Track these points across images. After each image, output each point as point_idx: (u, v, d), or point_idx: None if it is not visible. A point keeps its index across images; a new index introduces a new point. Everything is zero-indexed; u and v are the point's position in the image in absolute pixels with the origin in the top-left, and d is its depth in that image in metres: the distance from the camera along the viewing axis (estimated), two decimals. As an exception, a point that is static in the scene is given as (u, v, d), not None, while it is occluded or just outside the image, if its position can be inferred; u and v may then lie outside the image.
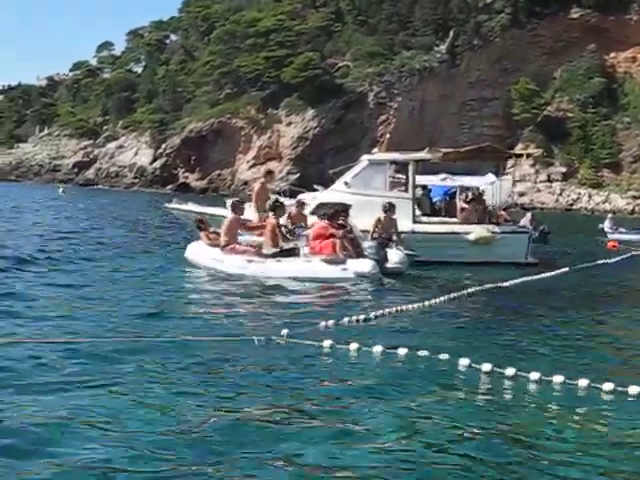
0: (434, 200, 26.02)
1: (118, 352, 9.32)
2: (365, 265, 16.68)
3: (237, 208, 18.53)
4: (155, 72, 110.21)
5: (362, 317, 11.72)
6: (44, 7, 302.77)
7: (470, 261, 20.37)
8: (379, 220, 19.68)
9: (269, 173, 24.18)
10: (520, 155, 34.90)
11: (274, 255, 17.21)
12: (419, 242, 20.07)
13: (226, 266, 17.41)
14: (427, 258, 19.61)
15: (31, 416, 6.80)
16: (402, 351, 9.42)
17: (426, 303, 13.37)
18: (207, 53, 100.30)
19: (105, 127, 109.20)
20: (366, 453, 6.33)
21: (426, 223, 22.13)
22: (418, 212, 22.88)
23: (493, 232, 21.52)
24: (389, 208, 19.91)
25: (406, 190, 21.91)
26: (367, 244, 17.91)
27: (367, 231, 19.13)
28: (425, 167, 24.29)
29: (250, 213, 19.91)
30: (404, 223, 20.45)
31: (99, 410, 7.05)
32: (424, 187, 25.35)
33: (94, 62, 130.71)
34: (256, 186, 21.52)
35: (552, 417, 7.52)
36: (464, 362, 9.00)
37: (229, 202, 21.68)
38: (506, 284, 16.69)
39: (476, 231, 21.36)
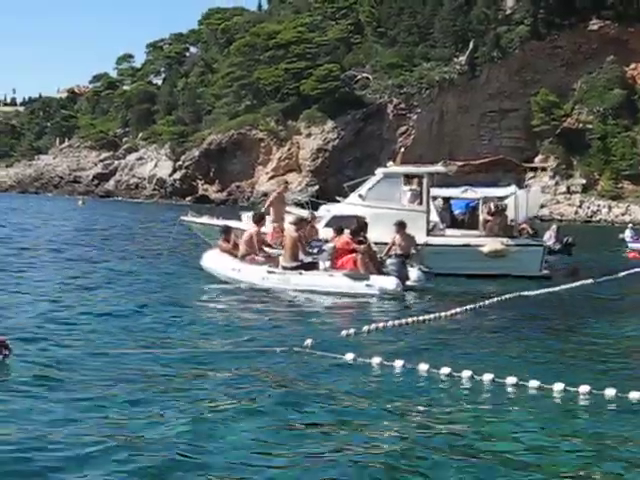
0: (455, 212, 25.93)
1: (140, 362, 9.39)
2: (389, 282, 16.72)
3: (259, 221, 18.46)
4: (175, 84, 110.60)
5: (382, 325, 12.05)
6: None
7: (484, 273, 20.37)
8: (393, 240, 19.28)
9: (285, 183, 24.51)
10: (535, 169, 34.78)
11: (295, 268, 17.22)
12: (433, 254, 20.05)
13: (245, 276, 17.41)
14: (441, 270, 19.59)
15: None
16: (423, 367, 9.36)
17: (442, 314, 13.52)
18: (227, 65, 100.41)
19: (125, 139, 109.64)
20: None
21: (440, 235, 22.10)
22: (442, 225, 22.91)
23: (507, 245, 21.47)
24: (399, 225, 19.43)
25: (420, 203, 21.92)
26: (389, 261, 17.89)
27: (382, 243, 19.00)
28: (446, 180, 24.31)
29: (266, 222, 19.96)
30: (418, 236, 20.40)
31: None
32: (446, 200, 25.30)
33: (114, 74, 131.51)
34: (272, 195, 21.69)
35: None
36: (488, 377, 8.92)
37: (245, 216, 21.77)
38: (529, 293, 16.87)
39: (489, 244, 21.35)
